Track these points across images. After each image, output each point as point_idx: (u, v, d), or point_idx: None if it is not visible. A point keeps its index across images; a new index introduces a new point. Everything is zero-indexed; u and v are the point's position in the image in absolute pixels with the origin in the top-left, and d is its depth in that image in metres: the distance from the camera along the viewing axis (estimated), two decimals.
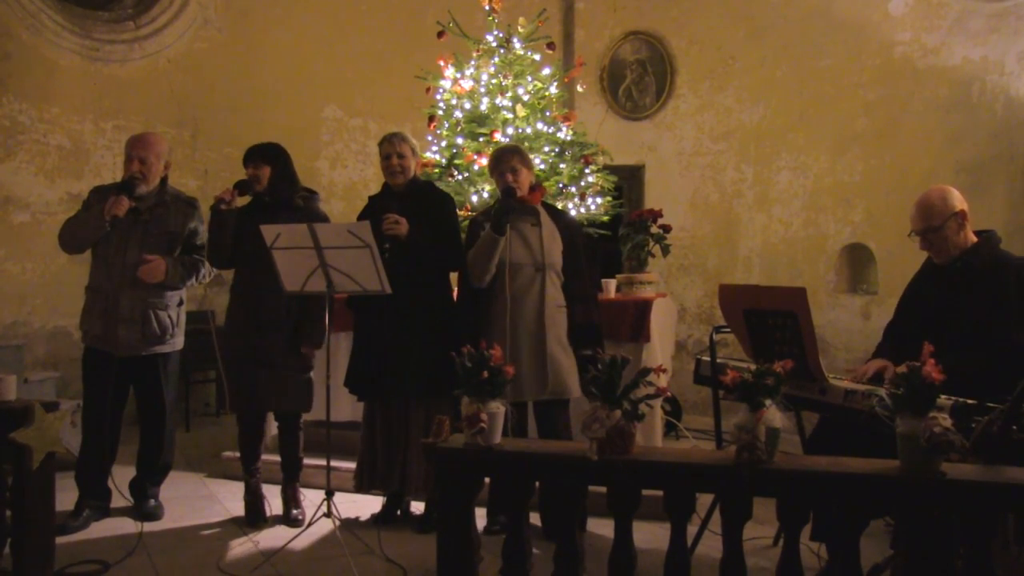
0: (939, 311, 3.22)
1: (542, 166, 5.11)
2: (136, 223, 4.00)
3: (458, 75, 5.39)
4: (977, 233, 3.30)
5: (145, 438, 4.27)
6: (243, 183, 4.07)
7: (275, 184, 4.07)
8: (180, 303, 4.20)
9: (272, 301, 3.96)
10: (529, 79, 5.36)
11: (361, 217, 4.04)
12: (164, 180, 4.18)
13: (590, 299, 3.93)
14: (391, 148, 4.03)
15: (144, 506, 4.17)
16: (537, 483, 2.72)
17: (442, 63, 5.46)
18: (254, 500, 4.17)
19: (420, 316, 3.91)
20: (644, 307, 4.57)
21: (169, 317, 4.10)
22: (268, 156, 4.08)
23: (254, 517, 4.12)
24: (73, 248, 4.10)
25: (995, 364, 2.97)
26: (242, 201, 4.14)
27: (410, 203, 3.99)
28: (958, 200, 3.26)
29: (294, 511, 4.13)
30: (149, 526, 4.02)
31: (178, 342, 4.21)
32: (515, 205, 3.76)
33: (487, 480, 2.81)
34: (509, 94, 5.26)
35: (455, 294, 4.07)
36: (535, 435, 3.91)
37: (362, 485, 4.14)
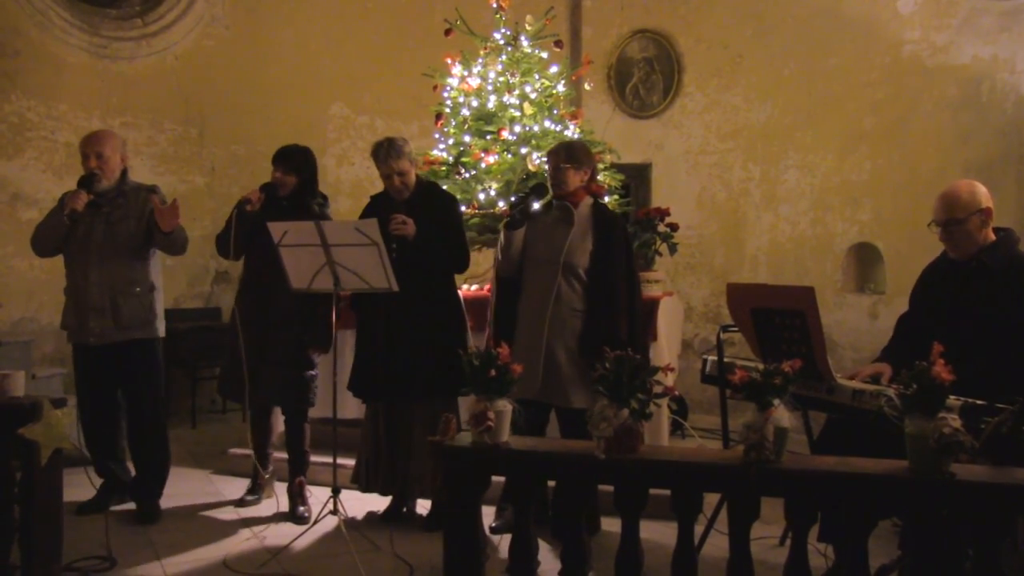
0: (952, 309, 3.17)
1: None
2: (97, 216, 4.01)
3: (465, 73, 5.38)
4: (996, 230, 3.22)
5: (130, 435, 4.23)
6: (269, 186, 4.13)
7: (298, 192, 4.16)
8: (152, 289, 4.16)
9: (283, 300, 3.99)
10: (536, 77, 5.36)
11: (363, 216, 4.02)
12: (124, 173, 4.18)
13: (617, 308, 3.66)
14: (389, 169, 3.94)
15: (142, 507, 4.14)
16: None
17: (449, 61, 5.46)
18: (255, 475, 4.37)
19: (425, 317, 3.90)
20: (651, 306, 4.56)
21: (140, 304, 4.08)
22: (297, 166, 4.16)
23: (251, 488, 4.38)
24: (42, 248, 4.12)
25: (1013, 367, 2.94)
26: None
27: (415, 203, 3.97)
28: (985, 197, 3.18)
29: (300, 508, 4.14)
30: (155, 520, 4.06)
31: (153, 330, 4.15)
32: (532, 202, 3.73)
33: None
34: (516, 92, 5.25)
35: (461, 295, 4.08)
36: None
37: (362, 486, 4.14)
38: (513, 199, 3.83)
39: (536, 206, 3.83)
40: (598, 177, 5.23)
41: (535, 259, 3.79)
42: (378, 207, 4.03)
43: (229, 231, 4.05)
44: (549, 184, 3.84)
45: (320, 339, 4.09)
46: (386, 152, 3.93)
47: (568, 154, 3.80)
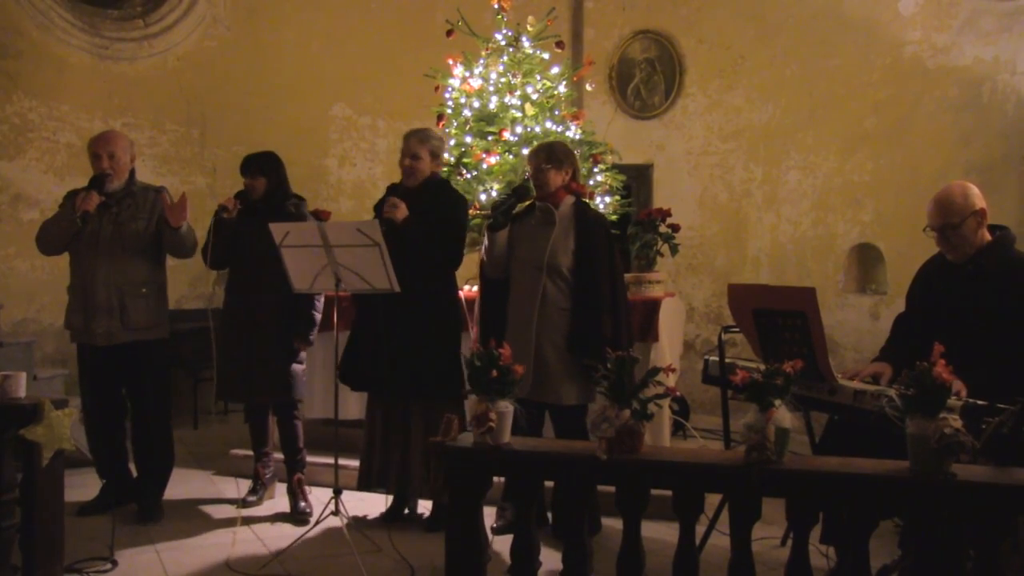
0: (951, 311, 3.15)
1: None
2: (105, 216, 4.02)
3: (467, 74, 5.38)
4: (992, 229, 3.20)
5: (134, 436, 4.24)
6: (243, 193, 4.26)
7: (270, 194, 4.26)
8: (159, 290, 4.19)
9: (268, 298, 4.11)
10: (538, 78, 5.36)
11: (377, 205, 4.05)
12: (132, 173, 4.20)
13: (601, 307, 3.69)
14: (407, 148, 4.01)
15: (144, 507, 4.13)
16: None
17: (451, 61, 5.46)
18: (257, 475, 4.43)
19: (419, 313, 3.89)
20: (652, 307, 4.57)
21: (147, 304, 4.08)
22: (264, 168, 4.27)
23: (253, 489, 4.40)
24: (49, 248, 4.13)
25: (1013, 368, 2.94)
26: None
27: (421, 194, 3.97)
28: (978, 198, 3.15)
29: (301, 503, 4.17)
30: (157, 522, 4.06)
31: (159, 331, 4.16)
32: (511, 202, 3.81)
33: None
34: (518, 93, 5.25)
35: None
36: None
37: (366, 485, 4.14)
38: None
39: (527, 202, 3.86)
40: (599, 178, 5.31)
41: (520, 260, 3.83)
42: (389, 194, 4.06)
43: (210, 241, 4.10)
44: (531, 185, 3.86)
45: (304, 332, 4.21)
46: (414, 132, 4.04)
47: (548, 155, 3.83)
